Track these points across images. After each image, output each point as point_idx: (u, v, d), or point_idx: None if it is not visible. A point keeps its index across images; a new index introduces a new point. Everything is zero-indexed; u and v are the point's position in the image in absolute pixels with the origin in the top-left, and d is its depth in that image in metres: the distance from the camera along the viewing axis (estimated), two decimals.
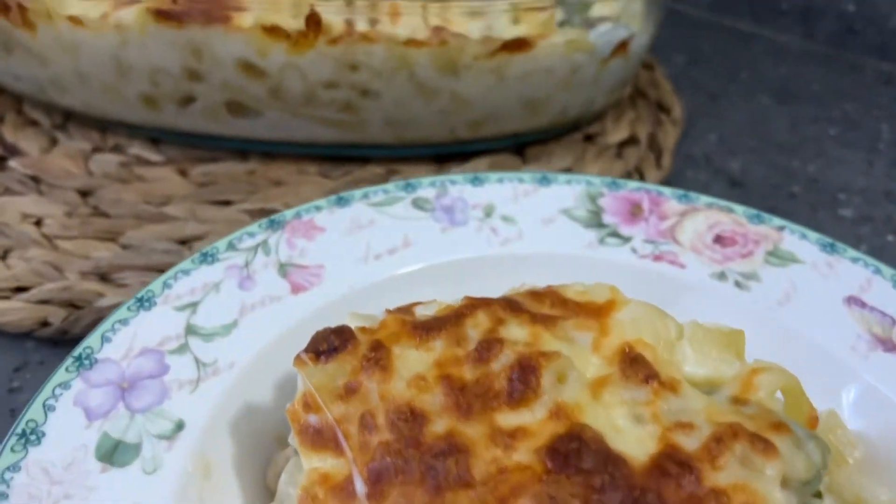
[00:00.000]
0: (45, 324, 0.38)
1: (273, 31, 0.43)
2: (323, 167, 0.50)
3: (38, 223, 0.44)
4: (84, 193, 0.47)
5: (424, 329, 0.27)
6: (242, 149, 0.50)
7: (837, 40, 0.79)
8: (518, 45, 0.45)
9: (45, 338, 0.38)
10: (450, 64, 0.45)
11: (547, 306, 0.29)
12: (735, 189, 0.54)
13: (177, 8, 0.43)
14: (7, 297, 0.39)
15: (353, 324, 0.28)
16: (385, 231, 0.38)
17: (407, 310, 0.29)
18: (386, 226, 0.38)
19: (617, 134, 0.56)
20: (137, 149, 0.51)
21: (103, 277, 0.40)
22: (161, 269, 0.41)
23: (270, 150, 0.50)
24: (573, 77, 0.49)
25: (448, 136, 0.49)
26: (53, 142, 0.52)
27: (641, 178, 0.52)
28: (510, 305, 0.28)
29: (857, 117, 0.64)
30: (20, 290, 0.39)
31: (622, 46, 0.50)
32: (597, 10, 0.49)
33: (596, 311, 0.29)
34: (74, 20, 0.45)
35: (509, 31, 0.47)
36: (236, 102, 0.47)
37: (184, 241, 0.43)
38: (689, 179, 0.55)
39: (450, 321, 0.27)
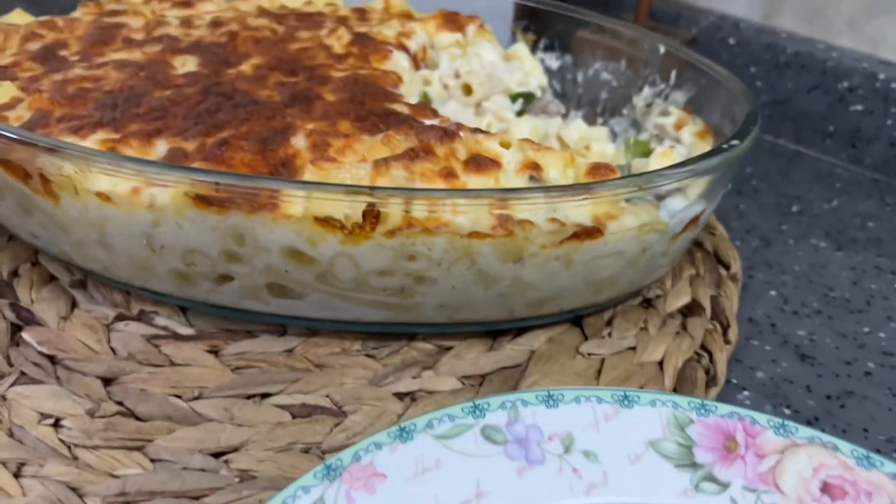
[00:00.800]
0: None
1: (326, 222, 0.39)
2: (368, 343, 0.46)
3: (57, 424, 0.40)
4: (108, 380, 0.42)
5: None
6: (281, 323, 0.46)
7: (887, 167, 0.76)
8: (589, 233, 0.41)
9: None
10: (514, 253, 0.41)
11: None
12: (805, 364, 0.50)
13: (220, 195, 0.39)
14: None
15: None
16: (454, 476, 0.33)
17: None
18: (454, 468, 0.34)
19: (678, 298, 0.52)
20: (165, 318, 0.47)
21: None
22: (196, 496, 0.36)
23: (311, 326, 0.46)
24: (643, 256, 0.45)
25: (505, 316, 0.45)
26: (73, 303, 0.48)
27: (710, 358, 0.48)
28: None
29: None
30: None
31: (693, 220, 0.46)
32: None
33: None
34: (103, 197, 0.41)
35: (575, 212, 0.43)
36: (278, 285, 0.43)
37: (220, 454, 0.38)
38: (756, 352, 0.51)
39: None
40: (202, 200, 0.39)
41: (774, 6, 0.79)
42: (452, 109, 0.60)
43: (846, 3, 0.75)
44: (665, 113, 0.60)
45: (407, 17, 0.68)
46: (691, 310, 0.52)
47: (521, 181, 0.44)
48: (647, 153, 0.57)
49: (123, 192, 0.40)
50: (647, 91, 0.63)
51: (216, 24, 0.60)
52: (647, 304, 0.52)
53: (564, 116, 0.68)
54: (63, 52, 0.56)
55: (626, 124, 0.65)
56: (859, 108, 0.75)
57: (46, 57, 0.55)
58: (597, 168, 0.46)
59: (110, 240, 0.43)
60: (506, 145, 0.45)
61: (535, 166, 0.45)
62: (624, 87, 0.65)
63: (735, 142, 0.45)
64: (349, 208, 0.39)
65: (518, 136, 0.59)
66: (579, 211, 0.44)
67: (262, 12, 0.65)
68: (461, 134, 0.45)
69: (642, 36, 0.65)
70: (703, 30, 0.83)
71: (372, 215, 0.39)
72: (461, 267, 0.41)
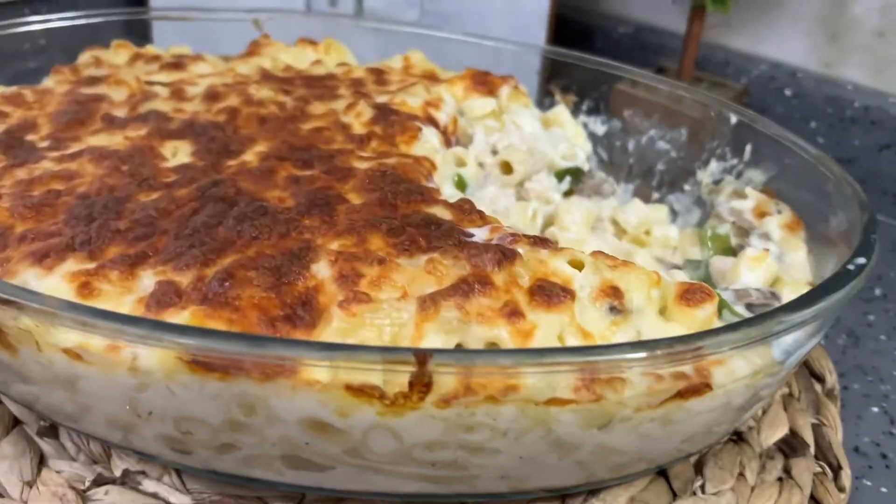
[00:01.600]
0: None
1: (361, 390, 0.30)
2: None
3: None
4: None
5: None
6: (299, 491, 0.37)
7: None
8: (695, 390, 0.33)
9: None
10: (602, 418, 0.32)
11: None
12: None
13: (222, 360, 0.30)
14: None
15: None
16: None
17: None
18: None
19: (774, 429, 0.44)
20: (154, 481, 0.38)
21: None
22: None
23: (336, 496, 0.37)
24: (751, 400, 0.36)
25: (580, 481, 0.37)
26: (41, 458, 0.39)
27: None
28: None
29: None
30: None
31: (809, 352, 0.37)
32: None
33: None
34: (72, 354, 0.32)
35: (657, 328, 0.35)
36: (297, 457, 0.33)
37: None
38: (871, 497, 0.42)
39: None
40: (199, 366, 0.30)
41: (837, 54, 0.71)
42: (492, 195, 0.51)
43: None
44: (740, 195, 0.51)
45: (430, 77, 0.60)
46: (792, 446, 0.43)
47: (599, 313, 0.35)
48: (727, 249, 0.48)
49: (98, 349, 0.31)
50: (714, 165, 0.54)
51: (212, 96, 0.51)
52: (738, 437, 0.43)
53: (615, 185, 0.59)
54: (31, 137, 0.47)
55: (689, 202, 0.56)
56: None
57: (10, 144, 0.46)
58: (690, 292, 0.37)
59: (84, 399, 0.34)
60: (577, 265, 0.37)
61: (614, 291, 0.36)
62: (685, 158, 0.56)
63: (861, 260, 0.36)
64: (386, 371, 0.30)
65: (569, 221, 0.50)
66: (663, 329, 0.36)
67: (265, 76, 0.57)
68: (521, 252, 0.36)
69: (698, 95, 0.56)
70: (755, 79, 0.74)
71: (421, 383, 0.30)
72: (533, 437, 0.32)
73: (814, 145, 0.70)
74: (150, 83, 0.54)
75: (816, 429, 0.44)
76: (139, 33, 0.76)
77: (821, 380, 0.48)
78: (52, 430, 0.40)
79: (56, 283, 0.34)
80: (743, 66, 0.75)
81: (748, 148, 0.52)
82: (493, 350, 0.32)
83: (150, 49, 0.63)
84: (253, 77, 0.56)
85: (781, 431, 0.44)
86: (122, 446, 0.37)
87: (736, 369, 0.34)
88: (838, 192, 0.44)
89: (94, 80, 0.54)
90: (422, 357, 0.28)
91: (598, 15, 0.86)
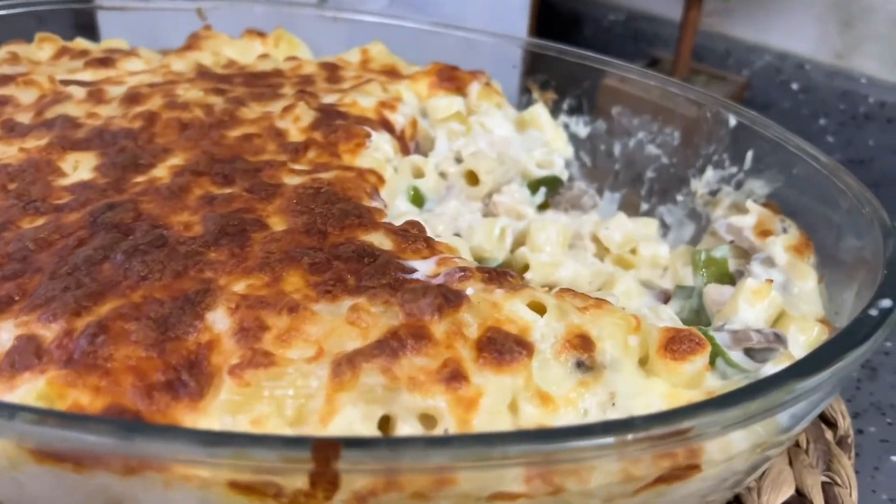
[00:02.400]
0: None
1: (249, 488, 0.23)
2: None
3: None
4: None
5: None
6: None
7: None
8: (680, 474, 0.26)
9: None
10: None
11: None
12: None
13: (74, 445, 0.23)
14: None
15: None
16: None
17: None
18: None
19: (777, 491, 0.37)
20: None
21: None
22: None
23: None
24: (753, 468, 0.30)
25: None
26: None
27: None
28: None
29: None
30: None
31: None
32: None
33: None
34: None
35: (635, 386, 0.29)
36: None
37: None
38: None
39: None
40: (47, 457, 0.24)
41: (850, 43, 0.64)
42: (454, 209, 0.44)
43: None
44: (740, 209, 0.44)
45: (391, 73, 0.53)
46: None
47: (564, 371, 0.29)
48: (724, 275, 0.41)
49: None
50: (710, 174, 0.48)
51: (132, 99, 0.44)
52: (736, 500, 0.37)
53: (596, 197, 0.52)
54: None
55: (682, 214, 0.49)
56: None
57: None
58: (676, 342, 0.30)
59: None
60: (538, 308, 0.30)
61: (583, 342, 0.29)
62: (678, 165, 0.50)
63: (887, 303, 0.30)
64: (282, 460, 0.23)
65: (542, 240, 0.44)
66: (640, 385, 0.29)
67: (201, 74, 0.50)
68: (469, 293, 0.30)
69: (691, 93, 0.49)
70: (758, 71, 0.68)
71: (325, 479, 0.23)
72: None
73: (823, 145, 0.63)
74: (66, 83, 0.47)
75: (827, 489, 0.38)
76: (86, 26, 0.69)
77: (832, 424, 0.42)
78: None
79: None
80: (745, 57, 0.68)
81: (749, 154, 0.45)
82: (422, 440, 0.25)
83: (79, 43, 0.56)
84: (186, 75, 0.50)
85: (786, 493, 0.37)
86: None
87: (733, 443, 0.27)
88: (855, 210, 0.37)
89: (3, 80, 0.48)
90: (322, 457, 0.21)
91: (586, 1, 0.79)
